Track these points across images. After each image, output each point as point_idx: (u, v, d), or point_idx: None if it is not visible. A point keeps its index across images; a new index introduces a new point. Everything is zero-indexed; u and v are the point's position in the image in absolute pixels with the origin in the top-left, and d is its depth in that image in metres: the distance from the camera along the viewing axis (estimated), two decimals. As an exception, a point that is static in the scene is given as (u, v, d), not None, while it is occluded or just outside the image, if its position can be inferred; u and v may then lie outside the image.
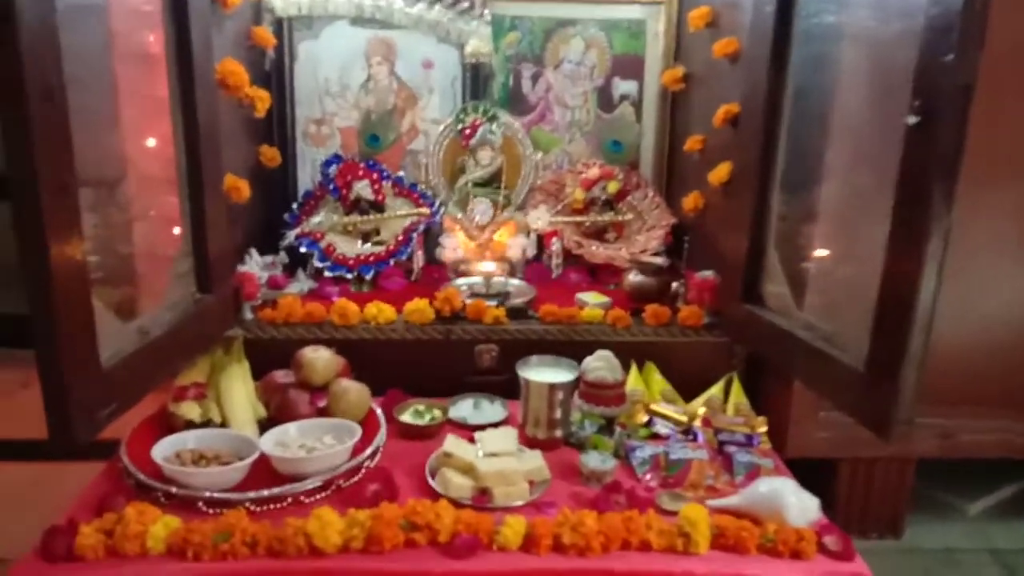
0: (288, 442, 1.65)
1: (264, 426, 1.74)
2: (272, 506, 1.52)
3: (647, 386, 2.02)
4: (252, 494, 1.50)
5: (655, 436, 1.83)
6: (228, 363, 1.87)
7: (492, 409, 1.94)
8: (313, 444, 1.64)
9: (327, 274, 2.33)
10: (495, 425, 1.84)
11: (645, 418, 1.89)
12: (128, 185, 1.74)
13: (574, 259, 2.54)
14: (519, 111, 2.67)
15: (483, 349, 2.09)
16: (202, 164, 1.80)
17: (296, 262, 2.37)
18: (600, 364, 1.84)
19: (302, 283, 2.28)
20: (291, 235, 2.39)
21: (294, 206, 2.51)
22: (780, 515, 1.49)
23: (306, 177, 2.63)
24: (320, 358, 1.80)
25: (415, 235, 2.41)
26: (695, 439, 1.80)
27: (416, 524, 1.41)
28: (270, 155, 2.45)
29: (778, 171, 1.88)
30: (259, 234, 2.40)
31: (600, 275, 2.50)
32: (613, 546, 1.43)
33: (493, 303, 2.15)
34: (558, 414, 1.78)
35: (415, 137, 2.66)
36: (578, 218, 2.56)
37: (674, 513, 1.53)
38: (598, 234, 2.60)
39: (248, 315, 2.08)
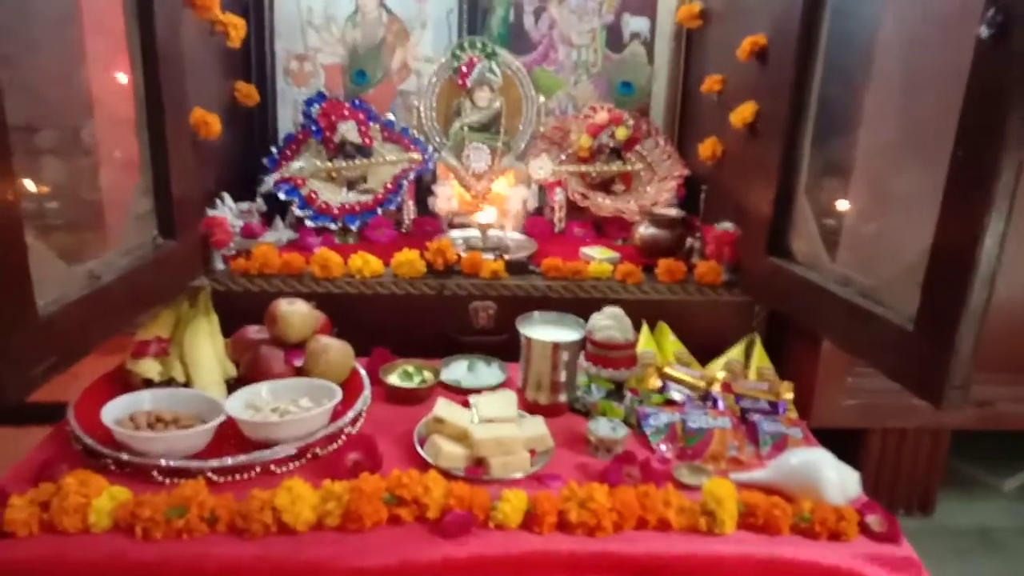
0: (259, 404, 1.45)
1: (234, 387, 1.55)
2: (238, 476, 1.33)
3: (659, 348, 1.83)
4: (214, 462, 1.32)
5: (670, 402, 1.65)
6: (194, 316, 1.67)
7: (489, 372, 1.76)
8: (287, 407, 1.45)
9: (308, 224, 2.12)
10: (492, 389, 1.65)
11: (658, 383, 1.70)
12: (94, 126, 1.54)
13: (578, 212, 2.33)
14: (520, 49, 2.45)
15: (479, 306, 1.89)
16: (161, 88, 1.58)
17: (275, 210, 2.16)
18: (609, 323, 1.64)
19: (280, 233, 2.07)
20: (269, 181, 2.18)
21: (273, 150, 2.29)
22: (816, 491, 1.31)
23: (287, 119, 2.41)
24: (297, 312, 1.60)
25: (405, 183, 2.20)
26: (715, 406, 1.61)
27: (401, 498, 1.23)
28: (246, 92, 2.23)
29: (812, 108, 1.67)
30: (234, 179, 2.19)
31: (607, 229, 2.30)
32: (627, 525, 1.25)
33: (491, 256, 1.95)
34: (562, 376, 1.59)
35: (406, 77, 2.44)
36: (583, 167, 2.35)
37: (694, 488, 1.35)
38: (604, 186, 2.39)
39: (219, 265, 1.88)
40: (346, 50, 2.39)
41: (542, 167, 2.28)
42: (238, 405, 1.44)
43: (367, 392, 1.57)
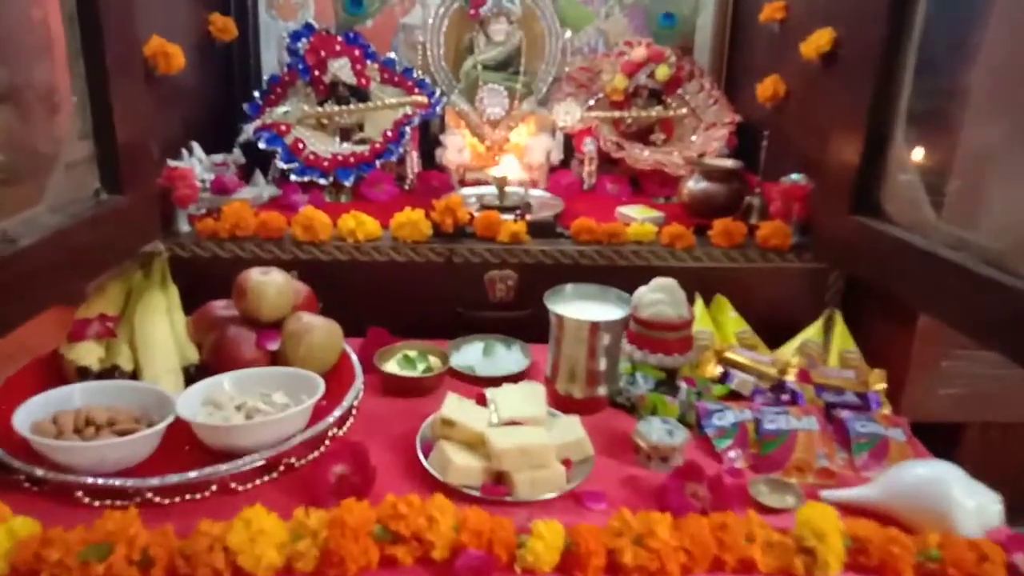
0: (221, 401, 1.15)
1: (195, 376, 1.25)
2: (188, 496, 1.03)
3: (717, 327, 1.51)
4: (156, 480, 1.01)
5: (734, 395, 1.33)
6: (148, 289, 1.36)
7: (509, 356, 1.44)
8: (256, 404, 1.14)
9: (294, 178, 1.79)
10: (514, 379, 1.34)
11: (718, 370, 1.38)
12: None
13: (610, 166, 2.00)
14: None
15: (497, 276, 1.57)
16: (98, 5, 1.25)
17: (256, 163, 1.83)
18: (659, 296, 1.32)
19: (260, 189, 1.75)
20: (249, 129, 1.85)
21: (256, 94, 1.96)
22: (943, 519, 1.00)
23: (272, 59, 2.08)
24: (271, 283, 1.29)
25: (408, 131, 1.87)
26: (794, 400, 1.29)
27: (398, 533, 0.92)
28: (222, 25, 1.90)
29: (917, 29, 1.32)
30: (209, 127, 1.86)
31: (645, 185, 1.96)
32: (698, 568, 0.94)
33: (510, 217, 1.62)
34: (602, 364, 1.27)
35: (410, 8, 2.10)
36: (617, 113, 2.01)
37: (776, 511, 1.04)
38: (641, 135, 2.05)
39: (183, 226, 1.56)
40: (339, -24, 2.04)
41: (569, 112, 1.94)
42: (193, 402, 1.13)
43: (359, 383, 1.26)
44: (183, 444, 1.10)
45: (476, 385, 1.33)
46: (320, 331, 1.28)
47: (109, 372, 1.23)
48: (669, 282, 1.33)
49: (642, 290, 1.34)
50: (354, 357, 1.33)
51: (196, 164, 1.68)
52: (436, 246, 1.56)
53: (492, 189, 1.80)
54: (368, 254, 1.55)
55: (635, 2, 2.15)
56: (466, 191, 1.84)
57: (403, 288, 1.56)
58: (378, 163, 1.84)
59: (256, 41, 2.05)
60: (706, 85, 2.11)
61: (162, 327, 1.31)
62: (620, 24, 2.17)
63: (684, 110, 2.04)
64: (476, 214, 1.61)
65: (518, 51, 2.00)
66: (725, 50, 2.16)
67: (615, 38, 2.16)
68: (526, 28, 2.02)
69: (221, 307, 1.34)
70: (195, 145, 1.70)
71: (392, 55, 2.02)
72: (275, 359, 1.27)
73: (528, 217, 1.62)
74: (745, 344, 1.45)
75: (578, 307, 1.29)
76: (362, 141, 1.90)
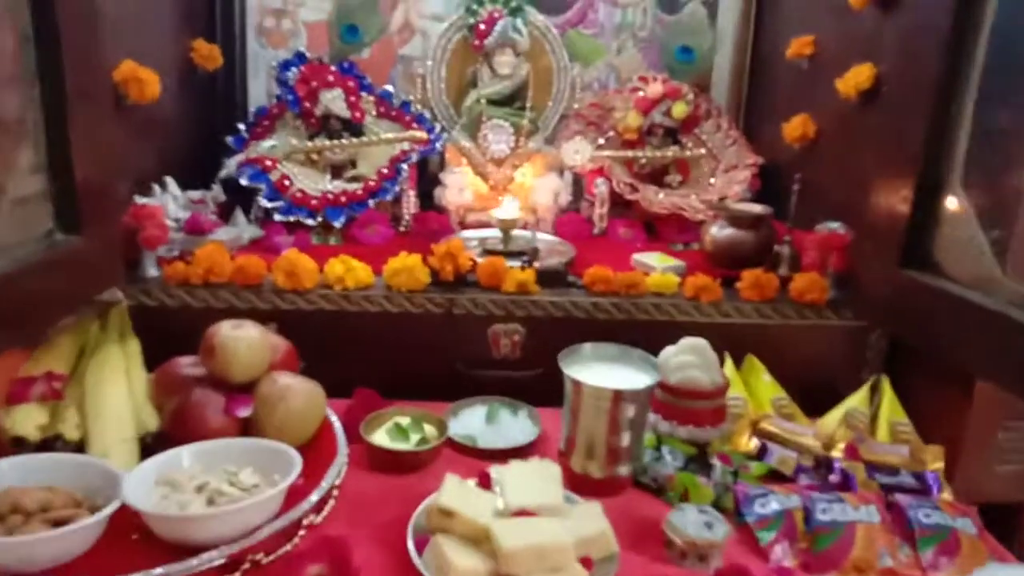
0: (179, 480, 0.97)
1: (152, 446, 1.07)
2: (130, 605, 0.85)
3: (750, 392, 1.34)
4: (91, 586, 0.83)
5: (774, 475, 1.16)
6: (104, 343, 1.19)
7: (515, 424, 1.27)
8: (220, 485, 0.96)
9: (278, 218, 1.63)
10: (521, 453, 1.17)
11: (754, 443, 1.22)
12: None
13: (622, 209, 1.85)
14: (551, 8, 1.97)
15: (501, 330, 1.41)
16: (59, 27, 1.11)
17: (238, 201, 1.68)
18: (689, 359, 1.16)
19: (240, 229, 1.59)
20: (231, 163, 1.70)
21: (240, 127, 1.82)
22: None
23: (260, 90, 1.94)
24: (244, 339, 1.12)
25: (405, 169, 1.72)
26: (845, 483, 1.13)
27: (384, 664, 0.74)
28: (206, 53, 1.76)
29: (978, 61, 1.19)
30: (188, 161, 1.71)
31: (662, 231, 1.81)
32: None
33: (516, 264, 1.46)
34: (625, 439, 1.10)
35: (409, 39, 1.97)
36: (631, 153, 1.87)
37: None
38: (655, 177, 1.90)
39: (151, 271, 1.40)
40: (334, 4, 1.91)
41: (579, 151, 1.80)
42: (145, 482, 0.96)
43: (342, 458, 1.09)
44: (131, 532, 0.93)
45: (478, 459, 1.16)
46: (299, 396, 1.11)
47: (50, 443, 1.05)
48: (699, 343, 1.17)
49: (669, 351, 1.18)
50: (337, 425, 1.16)
51: (169, 201, 1.52)
52: (434, 296, 1.40)
53: (496, 232, 1.64)
54: (358, 304, 1.38)
55: (649, 36, 2.02)
56: (467, 234, 1.69)
57: (397, 343, 1.40)
58: (371, 203, 1.68)
59: (243, 70, 1.91)
60: (723, 124, 1.98)
61: (117, 388, 1.13)
62: (633, 59, 2.04)
63: (702, 150, 1.90)
64: (479, 260, 1.45)
65: (525, 85, 1.86)
66: (744, 88, 2.04)
67: (627, 74, 2.04)
68: (533, 61, 1.89)
69: (187, 364, 1.17)
70: (169, 180, 1.54)
71: (389, 88, 1.88)
72: (246, 427, 1.10)
73: (536, 264, 1.46)
74: (783, 413, 1.28)
75: (597, 371, 1.12)
76: (355, 179, 1.75)
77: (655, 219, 1.82)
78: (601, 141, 1.93)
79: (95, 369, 1.15)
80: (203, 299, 1.36)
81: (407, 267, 1.39)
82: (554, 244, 1.65)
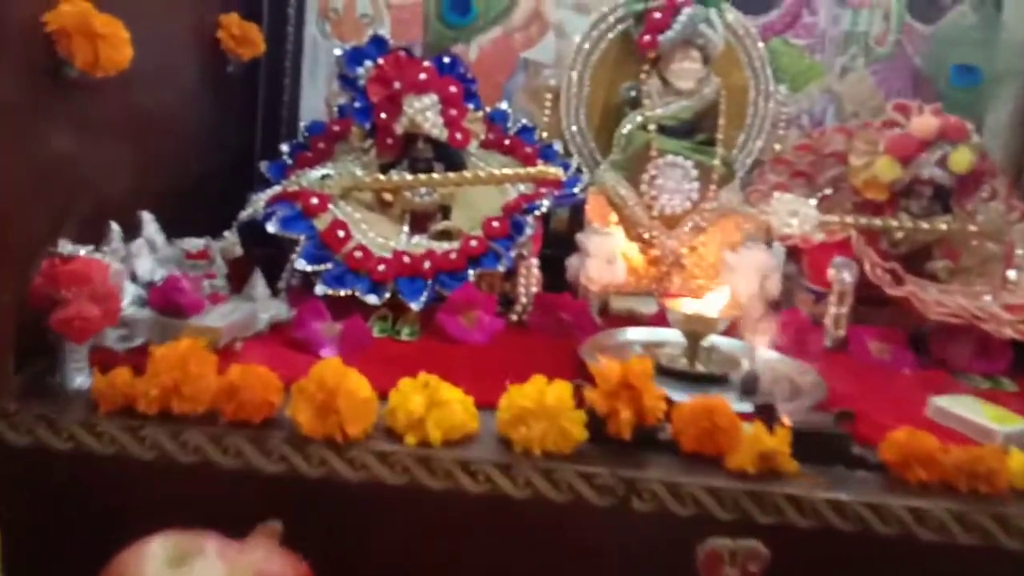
0: None
1: None
2: None
3: None
4: None
5: None
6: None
7: None
8: None
9: (321, 290, 0.99)
10: None
11: None
12: None
13: (866, 308, 1.15)
14: (748, 4, 1.33)
15: (726, 551, 0.71)
16: None
17: (263, 258, 1.05)
18: None
19: (255, 306, 0.94)
20: (259, 199, 1.09)
21: (284, 148, 1.22)
22: None
23: (316, 97, 1.34)
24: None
25: (529, 225, 1.06)
26: None
27: None
28: (240, 33, 1.17)
29: None
30: (196, 193, 1.11)
31: (936, 349, 1.10)
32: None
33: (745, 408, 0.78)
34: None
35: (538, 37, 1.35)
36: (883, 221, 1.18)
37: None
38: (909, 259, 1.20)
39: (75, 379, 0.75)
40: (435, -18, 1.31)
41: (798, 214, 1.13)
42: None
43: None
44: None
45: None
46: None
47: None
48: None
49: None
50: None
51: (142, 253, 0.90)
52: (595, 470, 0.71)
53: (671, 334, 0.98)
54: (447, 476, 0.71)
55: (893, 53, 1.36)
56: (630, 335, 1.02)
57: (518, 555, 0.72)
58: (471, 274, 1.03)
59: (296, 67, 1.32)
60: (1000, 190, 1.28)
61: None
62: (863, 85, 1.38)
63: (969, 226, 1.20)
64: (675, 398, 0.77)
65: (713, 108, 1.21)
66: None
67: (854, 105, 1.38)
68: (723, 77, 1.25)
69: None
70: (146, 218, 0.93)
71: (503, 105, 1.26)
72: None
73: (783, 416, 0.76)
74: None
75: None
76: (445, 235, 1.10)
77: (921, 328, 1.12)
78: (812, 201, 1.26)
79: None
80: (156, 446, 0.70)
81: (544, 408, 0.72)
82: (784, 367, 0.96)
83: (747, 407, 0.79)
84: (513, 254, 1.05)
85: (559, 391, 0.73)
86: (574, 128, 1.29)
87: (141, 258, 0.90)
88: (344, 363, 0.73)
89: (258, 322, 0.92)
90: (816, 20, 1.37)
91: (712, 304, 0.96)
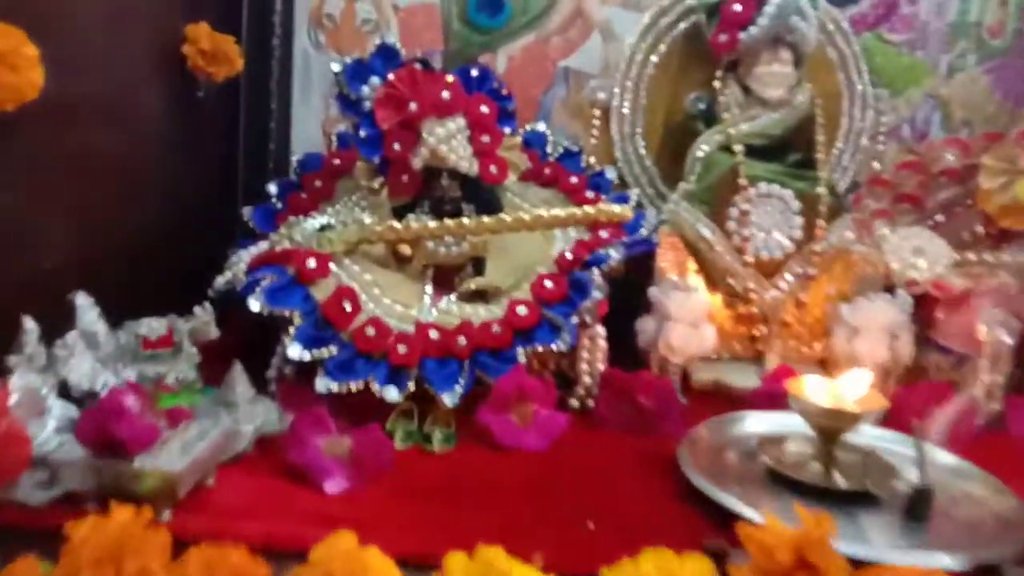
0: None
1: None
2: None
3: None
4: None
5: None
6: None
7: None
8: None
9: (323, 385, 0.74)
10: None
11: None
12: None
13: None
14: (835, -6, 1.09)
15: None
16: None
17: (243, 340, 0.80)
18: None
19: (236, 413, 0.69)
20: (239, 260, 0.84)
21: (271, 189, 0.97)
22: None
23: (311, 124, 1.09)
24: None
25: (595, 285, 0.81)
26: None
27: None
28: (211, 46, 0.92)
29: None
30: (156, 257, 0.86)
31: None
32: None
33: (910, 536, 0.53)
34: None
35: (581, 41, 1.11)
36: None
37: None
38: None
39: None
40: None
41: (924, 251, 0.89)
42: None
43: None
44: None
45: None
46: None
47: None
48: None
49: None
50: None
51: (75, 352, 0.65)
52: None
53: (788, 421, 0.73)
54: None
55: (1014, 45, 1.11)
56: (735, 427, 0.77)
57: None
58: (521, 353, 0.78)
59: (284, 88, 1.07)
60: None
61: None
62: (976, 85, 1.13)
63: None
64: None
65: (809, 122, 0.97)
66: None
67: (965, 111, 1.13)
68: (814, 81, 1.00)
69: None
70: (82, 303, 0.68)
71: (542, 126, 1.02)
72: None
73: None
74: None
75: None
76: (480, 295, 0.85)
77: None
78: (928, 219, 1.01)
79: None
80: None
81: (670, 594, 0.47)
82: (958, 476, 0.70)
83: (950, 560, 0.54)
84: (575, 322, 0.80)
85: (694, 572, 0.47)
86: (629, 151, 1.04)
87: (75, 359, 0.65)
88: (359, 529, 0.48)
89: (239, 441, 0.67)
90: (916, 10, 1.12)
91: (850, 388, 0.71)
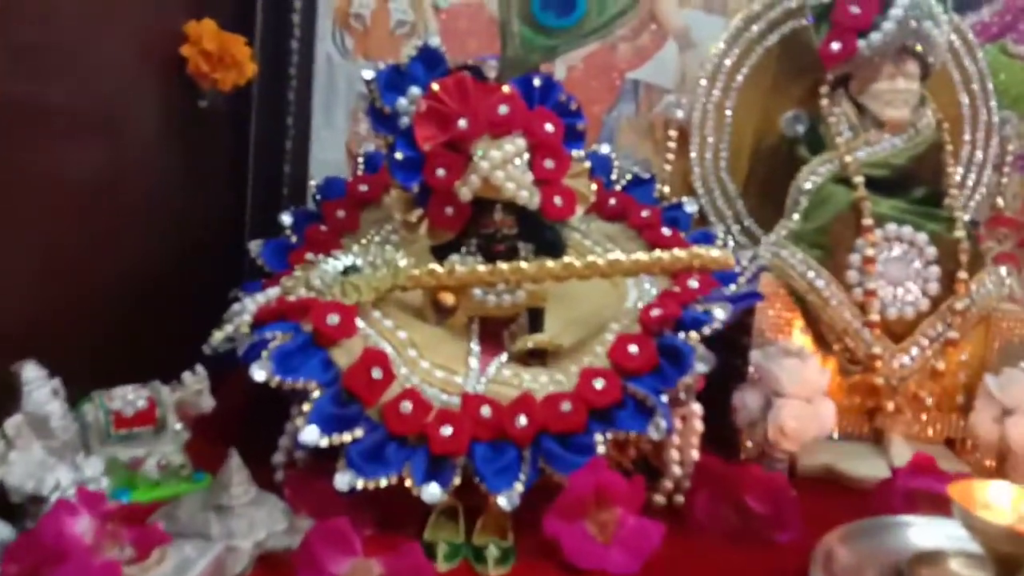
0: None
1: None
2: None
3: None
4: None
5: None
6: None
7: None
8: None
9: (344, 481, 0.57)
10: None
11: None
12: None
13: None
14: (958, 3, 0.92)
15: None
16: None
17: (246, 414, 0.63)
18: None
19: (230, 523, 0.52)
20: (242, 311, 0.67)
21: (285, 219, 0.80)
22: None
23: (335, 145, 0.93)
24: None
25: (698, 356, 0.63)
26: None
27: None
28: (217, 47, 0.76)
29: None
30: (137, 309, 0.69)
31: None
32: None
33: None
34: None
35: (655, 49, 0.94)
36: None
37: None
38: None
39: None
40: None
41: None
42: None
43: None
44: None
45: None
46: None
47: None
48: None
49: None
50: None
51: (17, 443, 0.49)
52: None
53: (954, 532, 0.56)
54: None
55: None
56: (882, 541, 0.59)
57: None
58: (600, 440, 0.60)
59: (303, 98, 0.91)
60: None
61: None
62: (1118, 108, 0.96)
63: None
64: None
65: (937, 150, 0.80)
66: None
67: (1106, 138, 0.96)
68: (937, 99, 0.84)
69: None
70: (29, 376, 0.51)
71: (605, 148, 0.85)
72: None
73: None
74: None
75: None
76: (537, 355, 0.68)
77: None
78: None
79: None
80: None
81: None
82: None
83: None
84: (666, 399, 0.63)
85: None
86: (711, 179, 0.88)
87: (16, 453, 0.48)
88: None
89: (235, 563, 0.50)
90: (1048, 18, 0.95)
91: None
